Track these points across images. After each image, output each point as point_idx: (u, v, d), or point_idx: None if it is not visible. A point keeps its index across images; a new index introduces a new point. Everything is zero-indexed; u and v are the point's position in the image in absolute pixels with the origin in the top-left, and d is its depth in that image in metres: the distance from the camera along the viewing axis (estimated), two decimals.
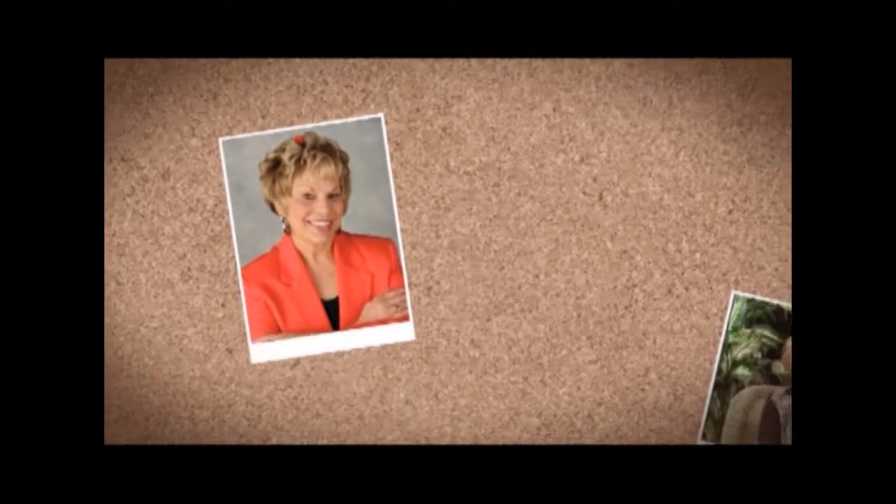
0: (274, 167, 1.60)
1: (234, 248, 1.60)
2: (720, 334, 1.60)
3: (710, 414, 1.60)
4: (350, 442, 1.59)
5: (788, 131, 1.61)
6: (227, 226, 1.60)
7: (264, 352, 1.59)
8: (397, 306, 1.59)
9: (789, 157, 1.60)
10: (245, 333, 1.59)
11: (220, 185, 1.60)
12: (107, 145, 1.57)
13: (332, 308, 1.60)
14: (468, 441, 1.58)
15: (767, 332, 1.61)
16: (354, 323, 1.59)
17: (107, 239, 1.57)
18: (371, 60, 1.62)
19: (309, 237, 1.60)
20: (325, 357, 1.60)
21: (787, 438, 1.57)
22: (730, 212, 1.61)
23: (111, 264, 1.57)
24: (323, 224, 1.60)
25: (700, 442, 1.59)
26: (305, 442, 1.58)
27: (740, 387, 1.60)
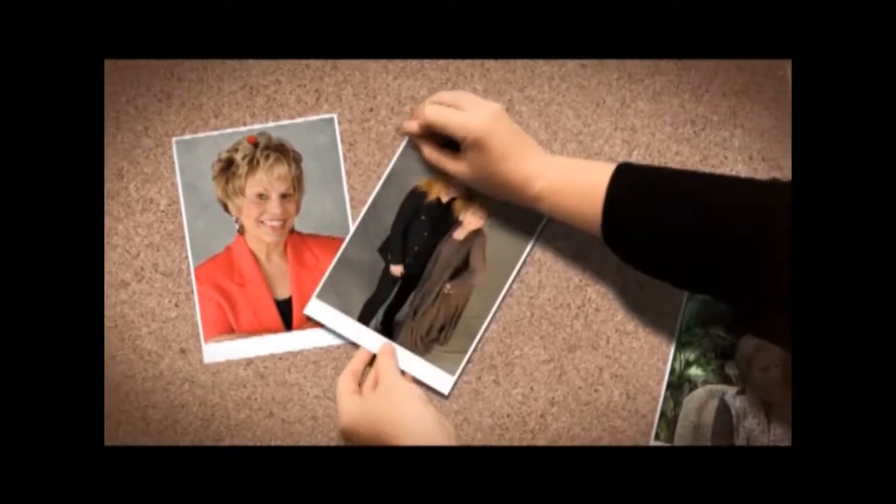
0: (227, 167, 1.60)
1: (188, 248, 1.59)
2: (673, 334, 1.60)
3: (663, 414, 1.59)
4: (304, 443, 1.58)
5: (739, 132, 1.61)
6: (181, 226, 1.59)
7: (217, 352, 1.59)
8: None
9: (740, 158, 1.61)
10: (198, 333, 1.59)
11: (174, 185, 1.59)
12: None
13: (285, 308, 1.59)
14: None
15: (721, 332, 1.60)
16: (308, 323, 1.58)
17: None
18: (324, 61, 1.61)
19: (262, 237, 1.60)
20: (279, 357, 1.59)
21: (739, 439, 1.57)
22: None
23: None
24: (276, 224, 1.60)
25: (653, 442, 1.59)
26: (258, 443, 1.57)
27: (693, 387, 1.60)
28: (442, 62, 1.62)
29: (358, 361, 1.55)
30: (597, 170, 1.39)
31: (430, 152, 1.53)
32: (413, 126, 1.52)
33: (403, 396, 1.45)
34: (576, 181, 1.40)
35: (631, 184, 1.35)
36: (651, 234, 1.34)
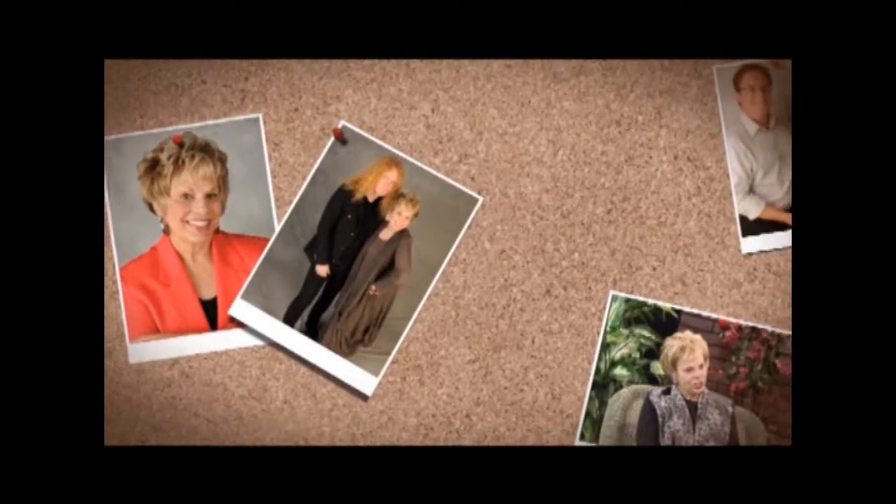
0: (152, 167, 1.59)
1: (113, 248, 1.59)
2: (598, 334, 1.59)
3: (588, 414, 1.59)
4: (229, 443, 1.57)
5: (664, 132, 1.61)
6: (106, 226, 1.59)
7: (142, 352, 1.58)
8: None
9: (665, 158, 1.60)
10: (123, 333, 1.58)
11: None
12: None
13: (210, 308, 1.59)
14: (346, 442, 1.57)
15: (646, 332, 1.60)
16: (233, 323, 1.58)
17: None
18: (249, 61, 1.60)
19: (187, 237, 1.59)
20: (204, 357, 1.58)
21: (664, 439, 1.56)
22: (608, 212, 1.60)
23: None
24: (201, 224, 1.59)
25: (578, 442, 1.58)
26: (183, 442, 1.57)
27: (618, 387, 1.59)
28: (367, 62, 1.61)
29: None
30: None
31: None
32: None
33: None
34: None
35: None
36: None
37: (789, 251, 1.59)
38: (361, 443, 1.57)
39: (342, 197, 1.59)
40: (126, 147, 1.59)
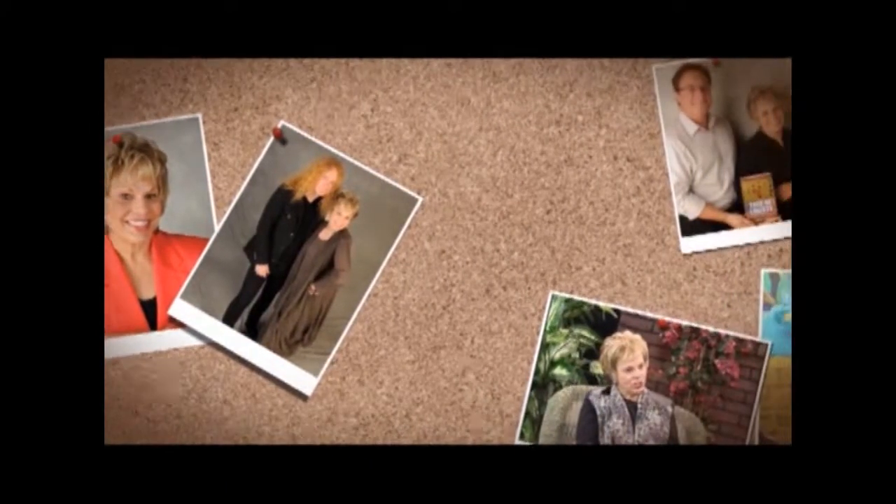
0: None
1: None
2: (538, 334, 1.59)
3: (527, 414, 1.59)
4: (168, 442, 1.57)
5: (604, 132, 1.60)
6: None
7: None
8: None
9: (605, 158, 1.59)
10: None
11: None
12: None
13: (149, 308, 1.58)
14: (286, 441, 1.57)
15: (585, 332, 1.59)
16: (173, 323, 1.58)
17: None
18: (189, 60, 1.60)
19: (127, 237, 1.58)
20: (144, 357, 1.58)
21: (604, 438, 1.56)
22: (548, 212, 1.59)
23: None
24: (141, 224, 1.59)
25: (518, 442, 1.58)
26: (126, 441, 1.56)
27: (558, 387, 1.59)
28: (307, 61, 1.60)
29: None
30: None
31: None
32: None
33: None
34: None
35: None
36: None
37: (729, 251, 1.59)
38: (301, 442, 1.57)
39: (282, 197, 1.59)
40: None
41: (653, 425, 1.56)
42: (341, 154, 1.59)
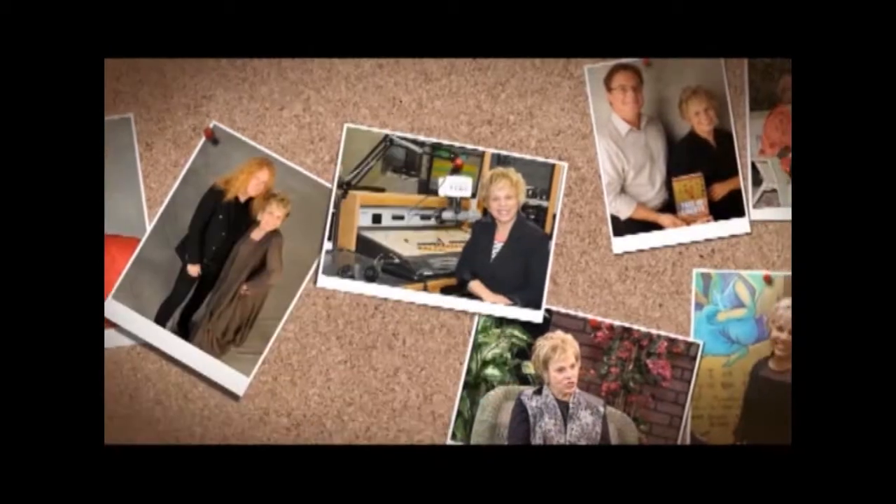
0: None
1: None
2: (470, 334, 1.59)
3: (459, 414, 1.58)
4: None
5: (536, 132, 1.60)
6: None
7: None
8: None
9: (538, 158, 1.59)
10: None
11: None
12: None
13: None
14: (217, 441, 1.56)
15: (517, 333, 1.59)
16: (105, 323, 1.57)
17: None
18: (120, 60, 1.59)
19: None
20: None
21: (536, 438, 1.56)
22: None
23: None
24: None
25: (450, 442, 1.58)
26: None
27: (490, 387, 1.58)
28: (239, 61, 1.59)
29: None
30: None
31: None
32: None
33: None
34: None
35: None
36: None
37: (660, 251, 1.59)
38: (233, 442, 1.56)
39: (213, 197, 1.58)
40: None
41: (584, 425, 1.55)
42: (273, 154, 1.58)
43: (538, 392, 1.56)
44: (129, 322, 1.56)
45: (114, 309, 1.56)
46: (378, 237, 1.59)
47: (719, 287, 1.58)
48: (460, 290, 1.58)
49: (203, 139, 1.58)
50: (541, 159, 1.57)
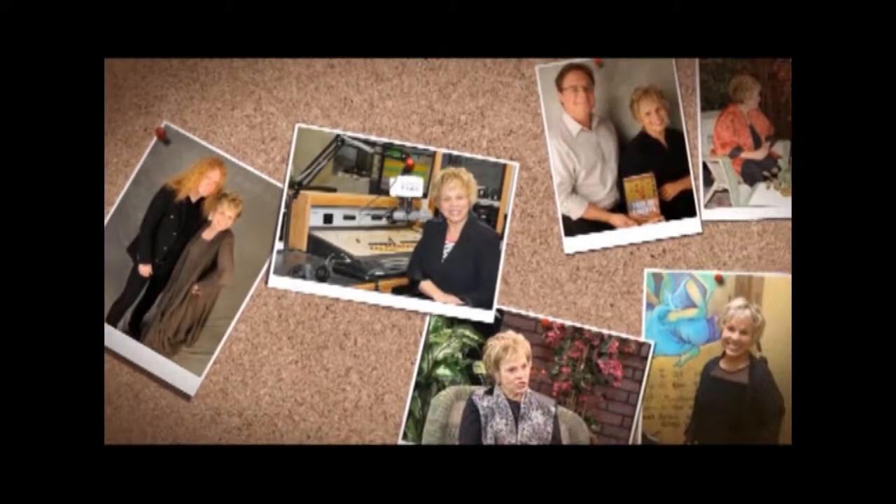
0: None
1: None
2: (421, 334, 1.59)
3: (411, 414, 1.58)
4: None
5: (487, 132, 1.60)
6: None
7: None
8: None
9: (490, 158, 1.59)
10: None
11: None
12: None
13: None
14: (168, 441, 1.56)
15: (468, 332, 1.58)
16: None
17: None
18: None
19: None
20: None
21: (487, 438, 1.55)
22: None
23: None
24: None
25: (401, 442, 1.58)
26: None
27: (441, 387, 1.58)
28: (190, 61, 1.59)
29: None
30: None
31: None
32: None
33: None
34: None
35: None
36: None
37: (612, 251, 1.58)
38: (184, 442, 1.56)
39: (165, 197, 1.58)
40: None
41: (536, 425, 1.55)
42: (224, 154, 1.58)
43: (489, 392, 1.56)
44: None
45: None
46: (329, 237, 1.59)
47: (671, 287, 1.57)
48: (412, 290, 1.58)
49: (154, 139, 1.58)
50: (492, 159, 1.57)
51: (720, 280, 1.56)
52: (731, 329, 1.56)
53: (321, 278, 1.57)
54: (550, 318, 1.56)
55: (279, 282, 1.57)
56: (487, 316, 1.56)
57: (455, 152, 1.57)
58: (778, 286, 1.55)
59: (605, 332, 1.56)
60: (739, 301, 1.56)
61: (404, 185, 1.58)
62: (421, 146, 1.57)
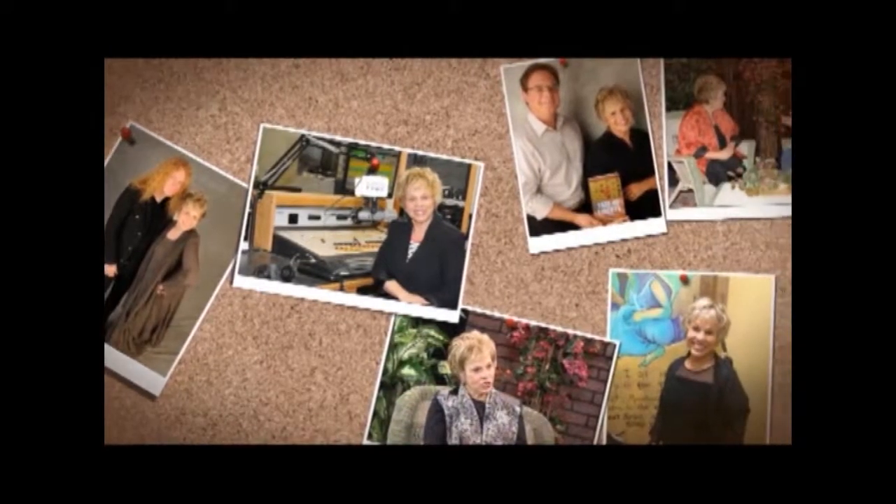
0: None
1: None
2: (386, 334, 1.59)
3: (376, 414, 1.58)
4: None
5: (452, 132, 1.59)
6: None
7: None
8: None
9: (453, 157, 1.59)
10: None
11: None
12: None
13: None
14: (134, 441, 1.56)
15: (433, 332, 1.58)
16: None
17: None
18: None
19: None
20: None
21: (452, 438, 1.55)
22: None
23: None
24: None
25: (366, 442, 1.57)
26: None
27: (406, 387, 1.58)
28: (155, 61, 1.57)
29: None
30: None
31: None
32: None
33: None
34: None
35: None
36: None
37: (577, 251, 1.58)
38: (149, 442, 1.56)
39: (130, 197, 1.57)
40: None
41: (501, 425, 1.55)
42: (189, 154, 1.58)
43: (454, 392, 1.56)
44: None
45: None
46: (294, 237, 1.59)
47: (636, 287, 1.57)
48: (377, 290, 1.58)
49: (119, 139, 1.57)
50: (457, 159, 1.57)
51: (685, 280, 1.56)
52: (696, 329, 1.56)
53: (286, 278, 1.57)
54: (515, 318, 1.56)
55: (244, 282, 1.57)
56: (452, 316, 1.56)
57: (420, 152, 1.57)
58: (743, 286, 1.55)
59: (571, 332, 1.56)
60: (704, 301, 1.56)
61: (369, 185, 1.57)
62: (386, 146, 1.57)
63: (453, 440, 1.54)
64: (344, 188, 1.58)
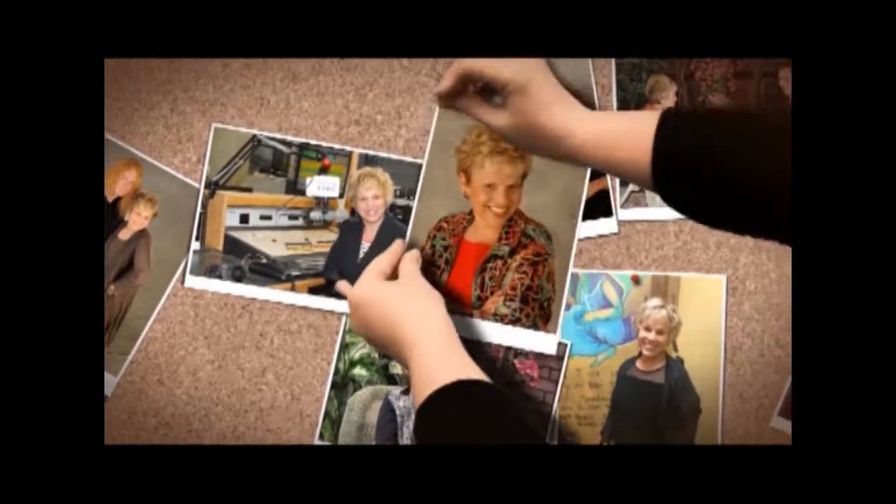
0: None
1: None
2: (337, 334, 1.58)
3: (327, 414, 1.58)
4: None
5: (404, 131, 1.59)
6: None
7: None
8: None
9: (404, 157, 1.59)
10: None
11: None
12: None
13: None
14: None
15: None
16: None
17: None
18: None
19: None
20: None
21: (404, 439, 1.55)
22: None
23: None
24: None
25: (317, 442, 1.57)
26: None
27: (358, 387, 1.58)
28: (109, 62, 1.58)
29: (394, 253, 1.48)
30: (642, 116, 1.29)
31: (469, 104, 1.37)
32: (447, 83, 1.36)
33: (425, 295, 1.39)
34: (622, 126, 1.22)
35: (680, 124, 1.20)
36: (709, 172, 1.18)
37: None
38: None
39: None
40: None
41: None
42: (140, 154, 1.58)
43: (406, 392, 1.56)
44: None
45: None
46: (246, 237, 1.58)
47: (587, 287, 1.57)
48: (328, 290, 1.58)
49: None
50: (408, 159, 1.57)
51: (636, 280, 1.56)
52: (648, 329, 1.56)
53: (237, 278, 1.57)
54: None
55: (196, 282, 1.57)
56: None
57: (371, 152, 1.57)
58: (694, 286, 1.55)
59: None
60: (655, 301, 1.56)
61: (320, 186, 1.57)
62: (337, 146, 1.57)
63: (404, 440, 1.54)
64: (295, 188, 1.58)
